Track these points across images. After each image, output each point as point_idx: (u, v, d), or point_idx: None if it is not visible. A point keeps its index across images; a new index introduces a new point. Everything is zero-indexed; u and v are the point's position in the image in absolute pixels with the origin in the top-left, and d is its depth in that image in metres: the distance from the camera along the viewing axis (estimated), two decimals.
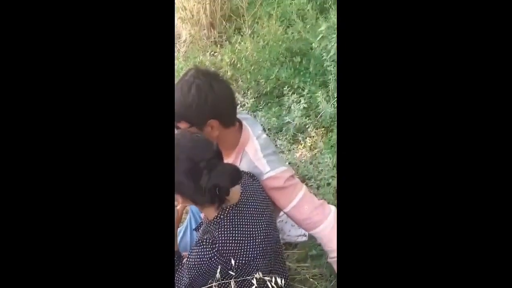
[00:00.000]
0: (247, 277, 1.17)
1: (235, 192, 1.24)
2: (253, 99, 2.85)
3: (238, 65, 3.12)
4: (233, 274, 1.14)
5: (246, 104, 2.82)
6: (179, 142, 1.15)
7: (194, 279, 1.19)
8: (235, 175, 1.16)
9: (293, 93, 2.59)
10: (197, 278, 1.18)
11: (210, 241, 1.17)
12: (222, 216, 1.21)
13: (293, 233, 1.85)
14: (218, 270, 1.15)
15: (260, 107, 2.87)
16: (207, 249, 1.17)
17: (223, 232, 1.18)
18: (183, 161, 1.12)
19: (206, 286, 1.15)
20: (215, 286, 1.13)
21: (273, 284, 1.13)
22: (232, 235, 1.18)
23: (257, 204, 1.29)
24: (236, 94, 2.96)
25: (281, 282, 1.14)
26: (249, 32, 3.22)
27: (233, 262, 1.15)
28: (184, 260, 1.27)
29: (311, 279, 1.67)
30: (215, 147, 1.18)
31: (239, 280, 1.17)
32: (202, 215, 1.41)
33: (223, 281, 1.15)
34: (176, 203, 1.30)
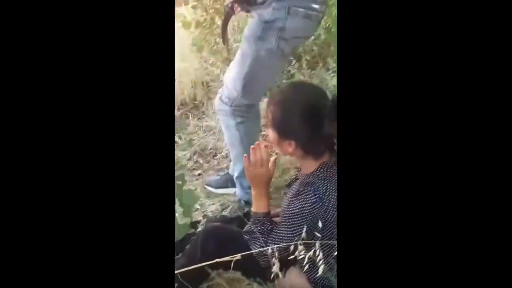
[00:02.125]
0: (332, 242, 1.20)
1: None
2: None
3: (333, 29, 3.04)
4: (319, 236, 1.17)
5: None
6: (296, 88, 1.18)
7: (294, 227, 1.23)
8: None
9: None
10: (297, 227, 1.23)
11: (312, 188, 1.21)
12: (322, 170, 1.24)
13: None
14: (304, 229, 1.19)
15: None
16: (309, 196, 1.21)
17: (324, 182, 1.22)
18: (303, 107, 1.15)
19: (292, 243, 1.20)
20: (300, 244, 1.17)
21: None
22: (333, 188, 1.21)
23: None
24: (328, 59, 2.91)
25: None
26: None
27: (320, 224, 1.19)
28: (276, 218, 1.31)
29: None
30: (332, 96, 1.19)
31: (324, 243, 1.21)
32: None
33: (308, 241, 1.19)
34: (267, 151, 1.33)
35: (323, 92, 1.24)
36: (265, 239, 1.29)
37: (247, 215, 1.59)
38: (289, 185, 1.42)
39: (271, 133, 1.28)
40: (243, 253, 1.24)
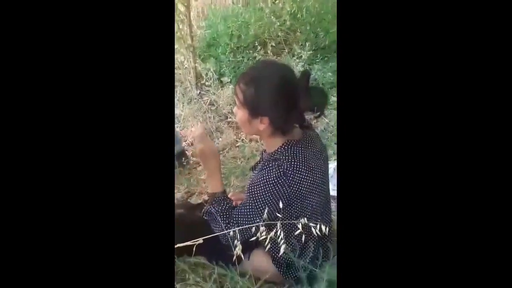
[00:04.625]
0: (293, 221, 1.20)
1: (298, 130, 1.28)
2: (311, 52, 2.80)
3: (299, 15, 3.04)
4: (280, 216, 1.17)
5: (303, 56, 2.77)
6: (267, 65, 1.23)
7: (257, 203, 1.22)
8: (326, 95, 1.24)
9: None
10: (260, 203, 1.21)
11: (276, 163, 1.20)
12: (287, 147, 1.23)
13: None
14: (266, 211, 1.18)
15: (317, 60, 2.81)
16: (273, 170, 1.20)
17: (289, 159, 1.21)
18: (276, 81, 1.17)
19: (254, 224, 1.19)
20: (261, 225, 1.16)
21: (317, 230, 1.14)
22: (297, 165, 1.20)
23: (316, 148, 1.29)
24: (294, 45, 2.91)
25: (325, 229, 1.15)
26: None
27: (281, 204, 1.18)
28: (234, 198, 1.29)
29: None
30: (306, 71, 1.22)
31: (285, 223, 1.20)
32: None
33: (269, 222, 1.18)
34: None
35: (291, 69, 1.23)
36: (226, 220, 1.27)
37: None
38: (254, 168, 1.40)
39: (240, 113, 1.25)
40: (205, 237, 1.22)
